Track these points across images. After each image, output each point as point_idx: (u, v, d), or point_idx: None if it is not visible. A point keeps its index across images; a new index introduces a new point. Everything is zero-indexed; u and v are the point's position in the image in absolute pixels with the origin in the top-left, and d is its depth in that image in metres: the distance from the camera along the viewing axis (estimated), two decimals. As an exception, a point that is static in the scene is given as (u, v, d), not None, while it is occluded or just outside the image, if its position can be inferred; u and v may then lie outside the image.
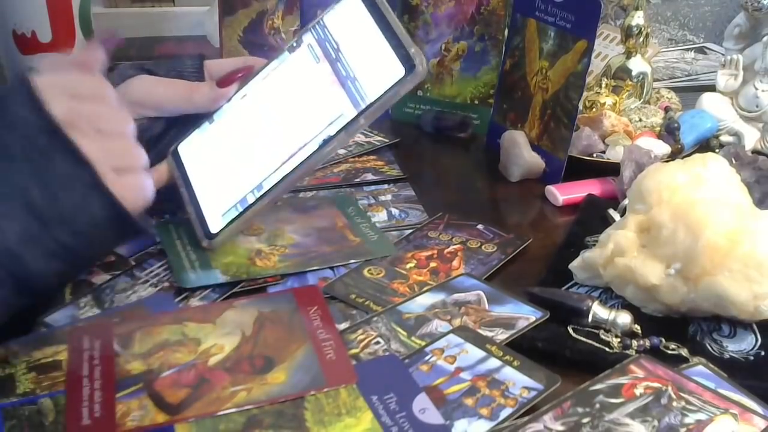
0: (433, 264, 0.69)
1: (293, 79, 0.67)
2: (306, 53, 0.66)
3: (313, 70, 0.65)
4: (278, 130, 0.66)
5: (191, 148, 0.69)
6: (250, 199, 0.65)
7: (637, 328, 0.59)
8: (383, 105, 0.61)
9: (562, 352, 0.58)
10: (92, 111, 0.50)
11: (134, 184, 0.51)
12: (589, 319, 0.60)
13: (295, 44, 0.67)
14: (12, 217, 0.45)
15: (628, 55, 1.00)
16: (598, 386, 0.52)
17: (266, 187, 0.65)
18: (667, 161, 0.80)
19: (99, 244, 0.50)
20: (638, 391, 0.51)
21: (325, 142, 0.63)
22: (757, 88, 0.95)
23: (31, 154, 0.46)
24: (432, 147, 0.99)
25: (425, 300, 0.62)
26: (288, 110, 0.66)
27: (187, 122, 0.70)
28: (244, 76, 0.69)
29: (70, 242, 0.47)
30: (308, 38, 0.67)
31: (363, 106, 0.61)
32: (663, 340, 0.58)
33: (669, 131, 0.91)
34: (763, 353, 0.58)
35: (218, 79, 0.69)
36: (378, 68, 0.61)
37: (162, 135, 0.70)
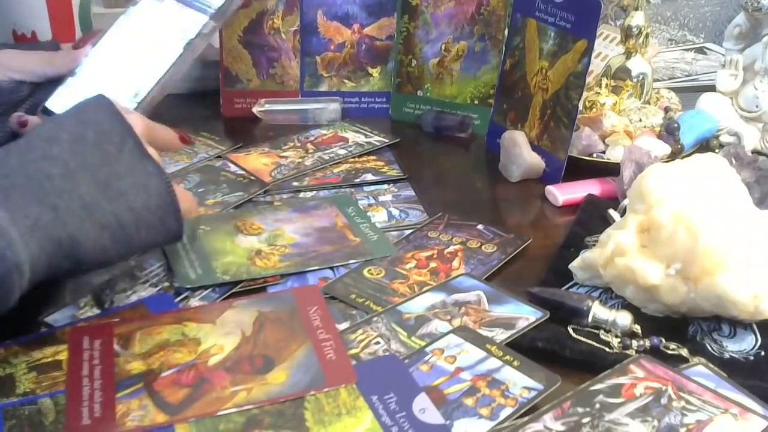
0: (433, 264, 0.69)
1: (144, 20, 0.79)
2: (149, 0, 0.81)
3: (160, 7, 0.79)
4: (142, 55, 0.77)
5: (61, 101, 0.75)
6: (132, 106, 0.74)
7: (637, 328, 0.59)
8: (226, 8, 0.79)
9: (562, 352, 0.58)
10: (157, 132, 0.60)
11: (184, 192, 0.60)
12: (589, 319, 0.60)
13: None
14: (78, 185, 0.51)
15: (628, 55, 1.00)
16: (598, 386, 0.52)
17: (143, 94, 0.75)
18: (667, 161, 0.80)
19: (145, 230, 0.55)
20: (638, 391, 0.51)
21: (188, 44, 0.77)
22: (757, 89, 0.95)
23: (102, 144, 0.53)
24: (432, 147, 0.99)
25: (425, 300, 0.62)
26: (147, 40, 0.78)
27: (51, 86, 0.78)
28: (95, 36, 0.80)
29: (123, 217, 0.53)
30: None
31: (211, 12, 0.78)
32: (663, 340, 0.58)
33: (669, 131, 0.91)
34: (763, 353, 0.58)
35: (73, 44, 0.82)
36: None
37: (29, 96, 0.78)
